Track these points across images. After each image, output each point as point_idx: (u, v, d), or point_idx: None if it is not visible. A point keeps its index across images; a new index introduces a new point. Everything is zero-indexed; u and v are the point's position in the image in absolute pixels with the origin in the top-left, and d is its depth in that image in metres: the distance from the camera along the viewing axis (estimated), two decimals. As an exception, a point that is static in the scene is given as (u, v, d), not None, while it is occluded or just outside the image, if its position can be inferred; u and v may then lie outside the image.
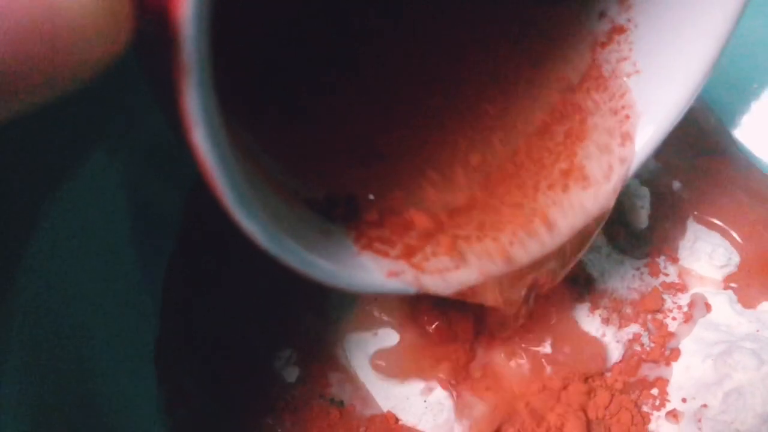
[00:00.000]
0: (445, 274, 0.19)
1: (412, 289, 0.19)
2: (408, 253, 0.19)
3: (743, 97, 0.34)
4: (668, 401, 0.27)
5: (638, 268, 0.29)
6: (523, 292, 0.22)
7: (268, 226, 0.15)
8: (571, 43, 0.23)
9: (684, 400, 0.27)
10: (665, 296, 0.29)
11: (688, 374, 0.27)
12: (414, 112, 0.22)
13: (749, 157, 0.33)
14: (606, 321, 0.28)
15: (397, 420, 0.25)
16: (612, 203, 0.22)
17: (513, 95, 0.23)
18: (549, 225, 0.21)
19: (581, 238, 0.22)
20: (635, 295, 0.29)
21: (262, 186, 0.16)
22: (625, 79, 0.22)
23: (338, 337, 0.25)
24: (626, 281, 0.29)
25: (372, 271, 0.18)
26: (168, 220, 0.27)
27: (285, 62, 0.22)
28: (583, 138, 0.22)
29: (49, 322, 0.24)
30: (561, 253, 0.22)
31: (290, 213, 0.17)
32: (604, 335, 0.28)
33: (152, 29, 0.11)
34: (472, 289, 0.20)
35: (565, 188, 0.21)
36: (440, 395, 0.26)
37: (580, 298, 0.28)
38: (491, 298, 0.21)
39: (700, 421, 0.26)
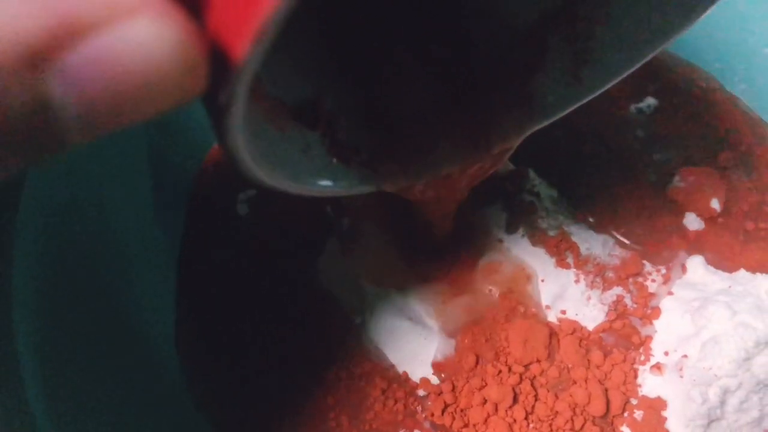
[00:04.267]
0: (397, 176, 0.23)
1: (374, 189, 0.22)
2: (369, 160, 0.22)
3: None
4: (652, 356, 0.29)
5: (618, 237, 0.32)
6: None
7: (266, 172, 0.18)
8: None
9: (666, 353, 0.29)
10: (644, 261, 0.31)
11: (668, 330, 0.29)
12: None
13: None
14: (590, 285, 0.30)
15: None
16: (522, 138, 0.24)
17: (484, 15, 0.24)
18: (486, 140, 0.23)
19: (497, 159, 0.25)
20: (616, 261, 0.31)
21: (262, 123, 0.20)
22: (594, 25, 0.23)
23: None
24: (607, 248, 0.31)
25: (342, 175, 0.21)
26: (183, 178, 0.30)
27: None
28: (540, 69, 0.23)
29: (67, 306, 0.26)
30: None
31: (280, 139, 0.20)
32: (589, 298, 0.30)
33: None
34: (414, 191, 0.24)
35: (509, 110, 0.23)
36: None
37: (565, 264, 0.30)
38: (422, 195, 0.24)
39: (681, 370, 0.28)
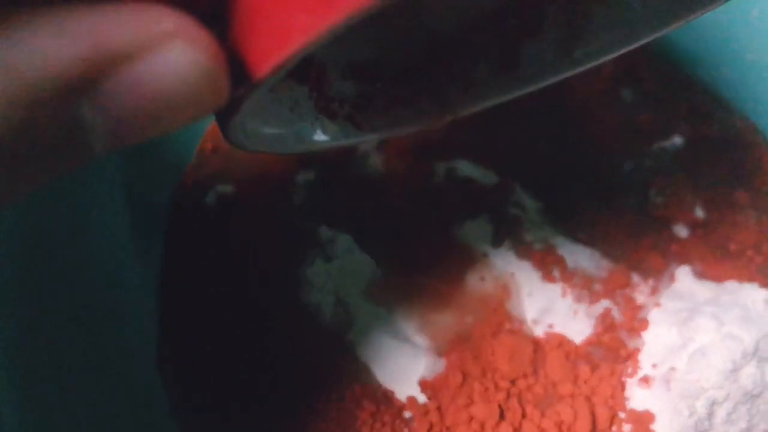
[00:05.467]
0: (377, 129, 0.23)
1: (356, 141, 0.23)
2: (352, 113, 0.23)
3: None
4: (640, 368, 0.29)
5: (604, 249, 0.31)
6: None
7: (262, 141, 0.19)
8: None
9: (654, 366, 0.29)
10: (632, 273, 0.31)
11: (656, 342, 0.29)
12: None
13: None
14: (577, 298, 0.30)
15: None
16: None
17: None
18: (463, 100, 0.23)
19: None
20: (603, 273, 0.31)
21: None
22: (592, 3, 0.23)
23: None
24: (594, 261, 0.31)
25: (328, 130, 0.22)
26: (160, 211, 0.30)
27: None
28: (531, 36, 0.23)
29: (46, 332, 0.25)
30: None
31: (272, 101, 0.21)
32: (576, 312, 0.30)
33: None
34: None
35: (496, 73, 0.23)
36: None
37: (551, 278, 0.30)
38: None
39: (669, 383, 0.28)
